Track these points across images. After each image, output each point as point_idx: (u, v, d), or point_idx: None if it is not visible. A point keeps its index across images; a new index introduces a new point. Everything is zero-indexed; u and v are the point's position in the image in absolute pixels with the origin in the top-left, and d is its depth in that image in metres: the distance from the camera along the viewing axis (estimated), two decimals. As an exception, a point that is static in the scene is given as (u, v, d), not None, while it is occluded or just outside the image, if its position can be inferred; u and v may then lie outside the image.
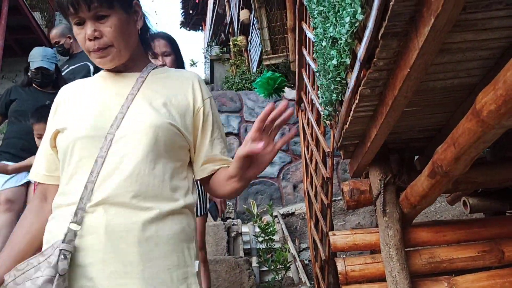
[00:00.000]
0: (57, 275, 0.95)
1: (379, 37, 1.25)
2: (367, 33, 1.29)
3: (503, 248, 1.98)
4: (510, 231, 2.06)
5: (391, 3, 1.11)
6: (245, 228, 4.77)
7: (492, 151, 2.15)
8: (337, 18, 1.50)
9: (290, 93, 5.71)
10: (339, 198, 5.04)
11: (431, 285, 1.97)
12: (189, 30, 16.24)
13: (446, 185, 1.66)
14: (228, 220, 4.66)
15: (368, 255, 2.17)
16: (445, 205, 4.55)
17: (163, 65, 1.97)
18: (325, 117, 2.14)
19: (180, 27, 15.84)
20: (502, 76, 1.05)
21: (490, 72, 1.49)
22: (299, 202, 5.51)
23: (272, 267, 3.81)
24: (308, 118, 3.11)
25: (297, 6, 2.93)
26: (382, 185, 2.00)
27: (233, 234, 4.45)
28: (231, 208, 5.07)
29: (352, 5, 1.33)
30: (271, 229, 4.39)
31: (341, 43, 1.51)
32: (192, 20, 15.57)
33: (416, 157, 2.32)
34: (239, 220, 4.79)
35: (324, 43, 1.75)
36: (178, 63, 2.19)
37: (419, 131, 2.02)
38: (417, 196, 1.82)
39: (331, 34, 1.60)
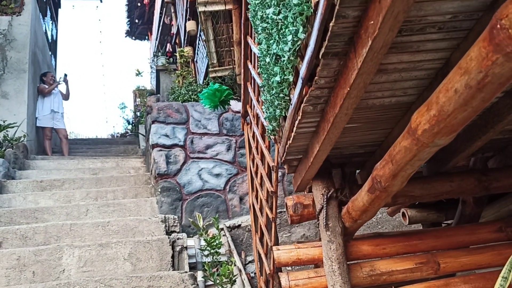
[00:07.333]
0: None
1: (320, 56, 1.27)
2: (309, 52, 1.31)
3: (438, 260, 2.06)
4: (445, 243, 2.15)
5: (331, 23, 1.13)
6: (190, 242, 4.68)
7: (428, 167, 2.24)
8: (280, 36, 1.51)
9: (236, 105, 5.71)
10: (284, 210, 5.07)
11: (372, 297, 2.01)
12: (134, 40, 15.92)
13: (385, 200, 1.71)
14: (173, 234, 4.55)
15: (312, 269, 2.18)
16: (385, 216, 4.70)
17: None
18: (269, 132, 2.15)
19: (126, 36, 15.49)
20: (435, 97, 1.09)
21: (425, 92, 1.55)
22: (245, 214, 5.48)
23: (218, 281, 3.75)
24: (254, 132, 3.11)
25: (242, 21, 2.94)
26: (325, 200, 2.03)
27: (178, 249, 4.34)
28: (177, 221, 4.96)
29: (294, 23, 1.34)
30: (217, 242, 4.34)
31: (284, 60, 1.53)
32: (137, 30, 15.27)
33: (357, 172, 2.37)
34: (184, 234, 4.68)
35: (268, 59, 1.76)
36: None
37: (360, 147, 2.07)
38: (358, 211, 1.85)
39: (275, 51, 1.61)
